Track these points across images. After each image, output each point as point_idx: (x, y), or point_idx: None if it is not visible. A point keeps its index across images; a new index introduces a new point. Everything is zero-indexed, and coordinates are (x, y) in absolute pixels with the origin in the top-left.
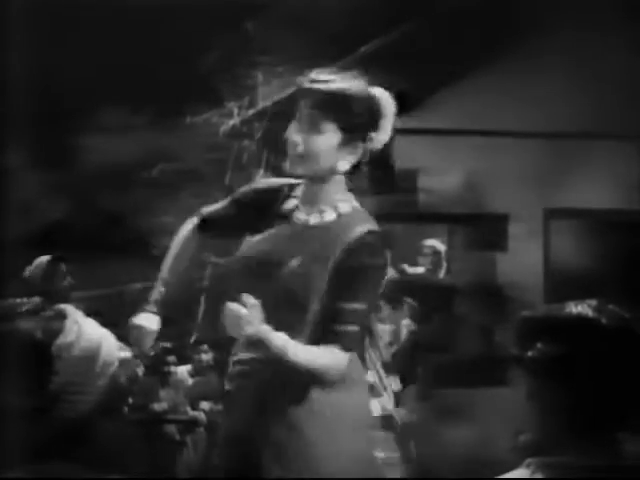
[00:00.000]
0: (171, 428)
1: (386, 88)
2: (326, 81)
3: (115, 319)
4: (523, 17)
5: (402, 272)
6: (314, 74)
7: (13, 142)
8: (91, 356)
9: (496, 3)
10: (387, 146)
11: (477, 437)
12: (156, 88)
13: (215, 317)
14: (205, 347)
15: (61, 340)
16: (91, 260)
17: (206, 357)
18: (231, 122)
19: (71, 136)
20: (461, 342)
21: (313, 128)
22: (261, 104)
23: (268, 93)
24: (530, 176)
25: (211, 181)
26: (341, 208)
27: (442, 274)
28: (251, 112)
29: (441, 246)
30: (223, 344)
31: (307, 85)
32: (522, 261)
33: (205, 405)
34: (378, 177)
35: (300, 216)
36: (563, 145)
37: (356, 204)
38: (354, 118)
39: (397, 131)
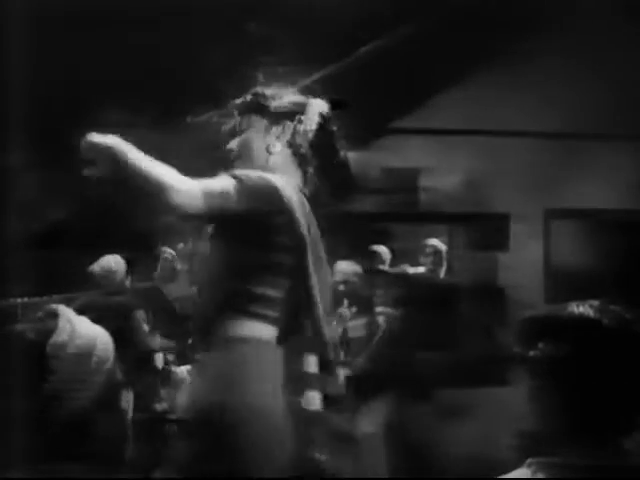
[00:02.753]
0: (172, 428)
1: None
2: (272, 98)
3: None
4: (523, 17)
5: (403, 271)
6: (259, 90)
7: (13, 142)
8: (86, 353)
9: (496, 4)
10: (334, 144)
11: (478, 437)
12: (157, 88)
13: None
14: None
15: (54, 339)
16: (91, 260)
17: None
18: (232, 122)
19: (71, 136)
20: (462, 342)
21: (244, 129)
22: None
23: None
24: (531, 176)
25: None
26: None
27: (443, 274)
28: None
29: (442, 245)
30: None
31: (258, 100)
32: (523, 261)
33: None
34: (334, 179)
35: None
36: (564, 145)
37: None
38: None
39: (399, 131)
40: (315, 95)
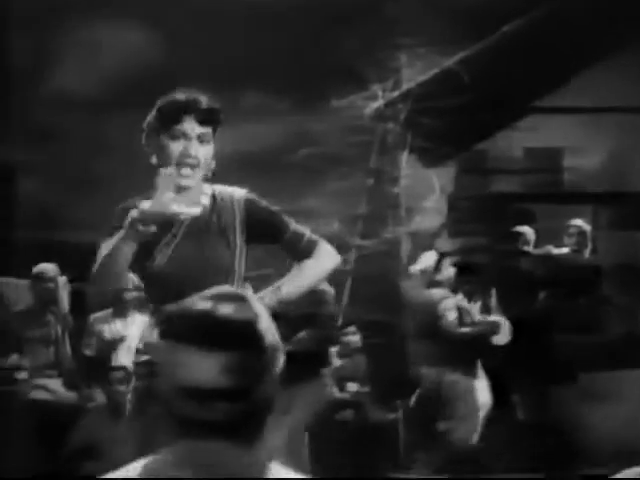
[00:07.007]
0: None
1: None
2: None
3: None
4: None
5: (547, 252)
6: None
7: (13, 141)
8: None
9: None
10: None
11: (625, 420)
12: (299, 72)
13: (361, 300)
14: (353, 329)
15: None
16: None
17: (353, 339)
18: (375, 105)
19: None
20: (606, 323)
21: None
22: (405, 86)
23: (412, 75)
24: None
25: (355, 164)
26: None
27: (587, 254)
28: (395, 94)
29: (586, 226)
30: (370, 326)
31: None
32: None
33: (353, 387)
34: None
35: None
36: None
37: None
38: None
39: (542, 110)
40: None
